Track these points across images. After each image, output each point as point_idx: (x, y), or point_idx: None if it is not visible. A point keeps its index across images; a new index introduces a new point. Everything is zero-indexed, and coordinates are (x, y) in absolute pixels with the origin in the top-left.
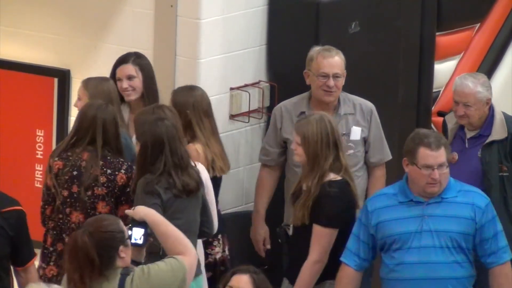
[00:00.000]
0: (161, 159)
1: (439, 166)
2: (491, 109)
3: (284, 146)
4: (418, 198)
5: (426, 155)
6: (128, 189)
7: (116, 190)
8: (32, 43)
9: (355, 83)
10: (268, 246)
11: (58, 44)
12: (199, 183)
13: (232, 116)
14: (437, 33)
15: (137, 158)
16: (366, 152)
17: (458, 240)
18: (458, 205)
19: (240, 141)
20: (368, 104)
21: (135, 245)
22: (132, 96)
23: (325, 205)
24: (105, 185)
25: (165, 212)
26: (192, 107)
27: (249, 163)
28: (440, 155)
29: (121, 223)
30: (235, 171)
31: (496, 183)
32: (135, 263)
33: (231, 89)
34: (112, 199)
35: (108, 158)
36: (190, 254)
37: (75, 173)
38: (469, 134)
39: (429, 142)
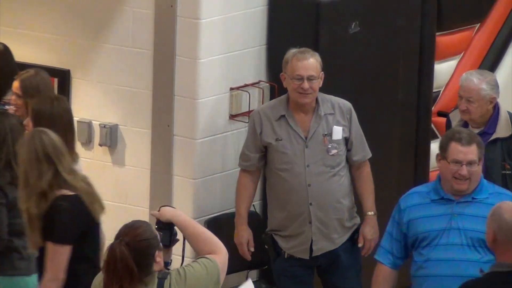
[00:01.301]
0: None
1: (469, 163)
2: (497, 107)
3: (264, 150)
4: (449, 196)
5: (456, 150)
6: None
7: None
8: (32, 43)
9: (355, 83)
10: (252, 249)
11: (58, 44)
12: None
13: (232, 116)
14: (437, 33)
15: None
16: (348, 151)
17: (483, 240)
18: (489, 206)
19: (240, 141)
20: (346, 103)
21: (163, 246)
22: None
23: (56, 222)
24: None
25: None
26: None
27: None
28: (471, 152)
29: (153, 228)
30: (234, 171)
31: (499, 181)
32: (164, 263)
33: (231, 89)
34: None
35: None
36: (221, 252)
37: None
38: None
39: (460, 137)
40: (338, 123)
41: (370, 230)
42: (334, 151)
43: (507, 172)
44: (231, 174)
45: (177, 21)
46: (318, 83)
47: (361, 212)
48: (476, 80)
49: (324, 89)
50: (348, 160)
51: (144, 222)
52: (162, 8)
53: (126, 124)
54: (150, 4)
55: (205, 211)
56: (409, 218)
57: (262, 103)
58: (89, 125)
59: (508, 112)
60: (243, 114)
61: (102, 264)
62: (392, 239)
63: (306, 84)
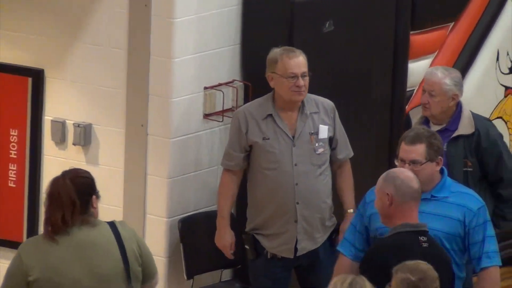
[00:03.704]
0: None
1: (411, 162)
2: (459, 105)
3: (249, 150)
4: None
5: (402, 148)
6: None
7: None
8: (6, 42)
9: (329, 82)
10: (233, 251)
11: (32, 44)
12: None
13: (206, 116)
14: (411, 32)
15: None
16: (333, 149)
17: (440, 239)
18: (449, 205)
19: (214, 140)
20: (329, 103)
21: None
22: None
23: None
24: None
25: None
26: None
27: None
28: (414, 151)
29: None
30: (208, 170)
31: (460, 178)
32: None
33: (205, 88)
34: None
35: None
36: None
37: None
38: (434, 128)
39: (407, 135)
40: (324, 122)
41: None
42: (320, 150)
43: (469, 169)
44: (205, 173)
45: (152, 20)
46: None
47: (337, 210)
48: (440, 74)
49: None
50: (332, 158)
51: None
52: (137, 7)
53: (100, 124)
54: (124, 3)
55: (179, 210)
56: (371, 212)
57: (236, 102)
58: (63, 124)
59: (471, 112)
60: (217, 113)
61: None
62: (356, 231)
63: (301, 81)
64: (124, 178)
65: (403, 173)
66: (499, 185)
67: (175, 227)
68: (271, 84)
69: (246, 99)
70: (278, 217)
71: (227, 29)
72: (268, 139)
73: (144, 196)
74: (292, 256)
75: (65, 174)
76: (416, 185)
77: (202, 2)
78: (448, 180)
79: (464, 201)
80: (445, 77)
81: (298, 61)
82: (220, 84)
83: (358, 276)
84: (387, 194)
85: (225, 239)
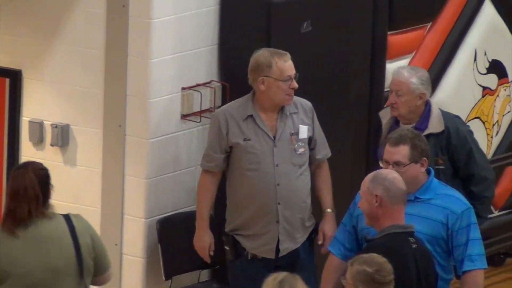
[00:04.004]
0: None
1: (395, 164)
2: (428, 104)
3: (229, 151)
4: None
5: (386, 150)
6: None
7: None
8: None
9: (307, 82)
10: (212, 253)
11: (10, 44)
12: None
13: (183, 116)
14: (388, 32)
15: None
16: (311, 150)
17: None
18: (432, 207)
19: (192, 141)
20: (308, 103)
21: None
22: None
23: None
24: None
25: None
26: None
27: (200, 163)
28: (397, 153)
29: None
30: (186, 171)
31: None
32: None
33: (183, 89)
34: None
35: None
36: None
37: None
38: (405, 127)
39: (391, 137)
40: (303, 122)
41: (330, 227)
42: (301, 150)
43: (440, 167)
44: (183, 174)
45: (129, 21)
46: None
47: (315, 210)
48: (407, 73)
49: None
50: (310, 158)
51: None
52: (114, 8)
53: (77, 124)
54: (102, 3)
55: (157, 211)
56: (359, 212)
57: (214, 103)
58: (40, 125)
59: (440, 109)
60: (194, 114)
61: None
62: (345, 230)
63: (295, 84)
64: (102, 179)
65: (391, 174)
66: (470, 182)
67: (153, 227)
68: (262, 87)
69: (224, 100)
70: (260, 218)
71: (205, 29)
72: (250, 140)
73: (122, 196)
74: (273, 257)
75: (27, 166)
76: (404, 187)
77: (180, 2)
78: (435, 181)
79: (448, 204)
80: (411, 76)
81: (291, 63)
82: (198, 85)
83: (292, 275)
84: (376, 195)
85: (204, 240)
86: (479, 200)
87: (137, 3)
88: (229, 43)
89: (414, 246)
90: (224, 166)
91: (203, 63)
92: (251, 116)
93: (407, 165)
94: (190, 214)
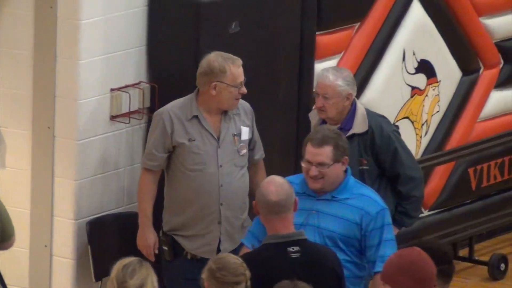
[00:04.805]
0: None
1: (319, 164)
2: (354, 104)
3: (172, 151)
4: (311, 192)
5: (308, 150)
6: None
7: None
8: None
9: None
10: (156, 251)
11: None
12: None
13: (112, 117)
14: (317, 33)
15: None
16: (251, 150)
17: (336, 240)
18: (348, 207)
19: (121, 142)
20: (247, 105)
21: None
22: None
23: None
24: None
25: None
26: None
27: (130, 164)
28: (321, 153)
29: None
30: (115, 172)
31: (356, 177)
32: None
33: (112, 90)
34: None
35: None
36: None
37: None
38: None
39: (313, 138)
40: (244, 124)
41: None
42: (243, 151)
43: (364, 167)
44: (112, 175)
45: (57, 22)
46: None
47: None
48: (332, 76)
49: None
50: (249, 159)
51: None
52: (42, 10)
53: (6, 126)
54: (29, 5)
55: (87, 212)
56: None
57: (143, 104)
58: None
59: (366, 109)
60: (123, 115)
61: None
62: (260, 224)
63: (245, 89)
64: (31, 180)
65: (268, 184)
66: (397, 182)
67: (83, 229)
68: (213, 92)
69: (153, 101)
70: (201, 218)
71: (134, 30)
72: (194, 140)
73: (51, 198)
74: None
75: None
76: (274, 198)
77: (108, 3)
78: (351, 180)
79: (363, 204)
80: (337, 78)
81: (242, 70)
82: (126, 86)
83: (139, 260)
84: (256, 204)
85: (149, 238)
86: (407, 199)
87: (65, 5)
88: (158, 44)
89: (294, 255)
90: (165, 166)
91: (132, 64)
92: (196, 116)
93: (331, 165)
94: (120, 215)
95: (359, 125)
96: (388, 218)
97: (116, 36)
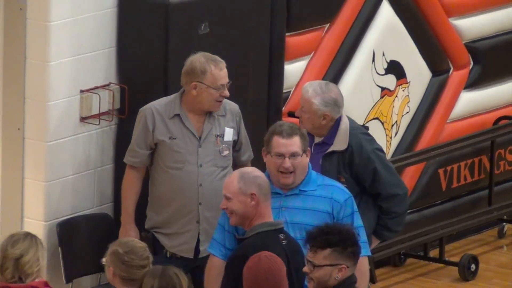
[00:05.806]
0: None
1: (292, 155)
2: (338, 120)
3: (154, 148)
4: (277, 189)
5: (278, 143)
6: None
7: None
8: None
9: None
10: None
11: None
12: None
13: (82, 119)
14: (286, 34)
15: None
16: (237, 151)
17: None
18: (317, 198)
19: (91, 143)
20: (235, 106)
21: None
22: None
23: None
24: None
25: None
26: None
27: (100, 166)
28: (292, 144)
29: None
30: (86, 173)
31: None
32: None
33: (82, 91)
34: None
35: None
36: None
37: None
38: (316, 140)
39: (281, 130)
40: (229, 125)
41: None
42: (226, 152)
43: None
44: (82, 176)
45: (27, 24)
46: None
47: None
48: (311, 92)
49: (176, 90)
50: (235, 160)
51: None
52: (11, 11)
53: None
54: None
55: (57, 214)
56: None
57: (113, 105)
58: None
59: (351, 123)
60: (93, 116)
61: None
62: (224, 231)
63: (227, 92)
64: (1, 182)
65: (257, 171)
66: (378, 199)
67: (53, 230)
68: (193, 92)
69: (123, 102)
70: (180, 217)
71: (103, 32)
72: (175, 138)
73: (21, 199)
74: (192, 256)
75: None
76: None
77: (78, 5)
78: (313, 173)
79: (331, 193)
80: (315, 96)
81: (225, 72)
82: (96, 87)
83: (25, 232)
84: (251, 194)
85: (130, 235)
86: (388, 214)
87: (34, 6)
88: (127, 45)
89: (284, 242)
90: (148, 162)
91: (101, 65)
92: (178, 115)
93: (302, 155)
94: (90, 217)
95: (340, 143)
96: (355, 206)
97: (86, 37)
